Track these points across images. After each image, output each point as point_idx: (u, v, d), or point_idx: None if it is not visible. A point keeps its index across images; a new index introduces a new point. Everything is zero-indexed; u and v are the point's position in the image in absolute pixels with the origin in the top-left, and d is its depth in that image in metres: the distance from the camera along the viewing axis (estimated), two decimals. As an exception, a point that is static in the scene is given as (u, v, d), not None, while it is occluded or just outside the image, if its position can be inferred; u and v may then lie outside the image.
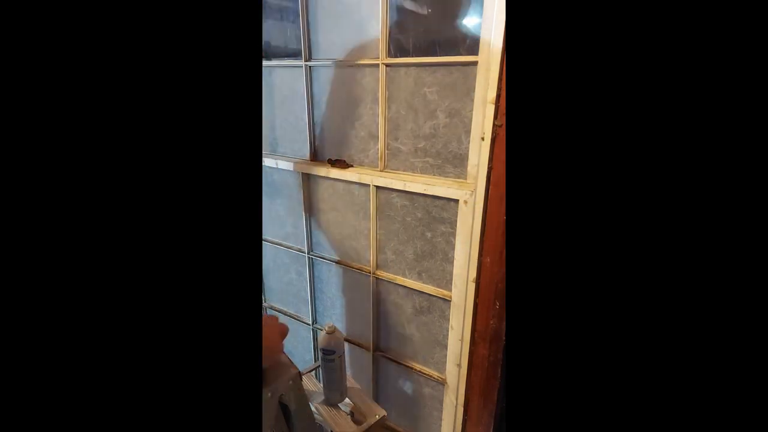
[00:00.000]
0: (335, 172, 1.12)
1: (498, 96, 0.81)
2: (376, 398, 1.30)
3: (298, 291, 1.42)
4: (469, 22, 0.83)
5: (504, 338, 0.96)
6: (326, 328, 1.00)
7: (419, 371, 1.17)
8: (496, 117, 0.83)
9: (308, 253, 1.31)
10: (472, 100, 0.86)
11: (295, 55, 1.12)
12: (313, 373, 1.19)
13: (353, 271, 1.22)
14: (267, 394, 0.71)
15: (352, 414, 1.08)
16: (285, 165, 1.24)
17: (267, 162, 1.28)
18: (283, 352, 0.77)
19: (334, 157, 1.13)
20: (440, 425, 1.18)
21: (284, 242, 1.38)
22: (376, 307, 1.21)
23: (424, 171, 0.99)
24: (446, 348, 1.08)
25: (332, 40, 1.04)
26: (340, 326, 1.32)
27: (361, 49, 0.99)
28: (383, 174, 1.04)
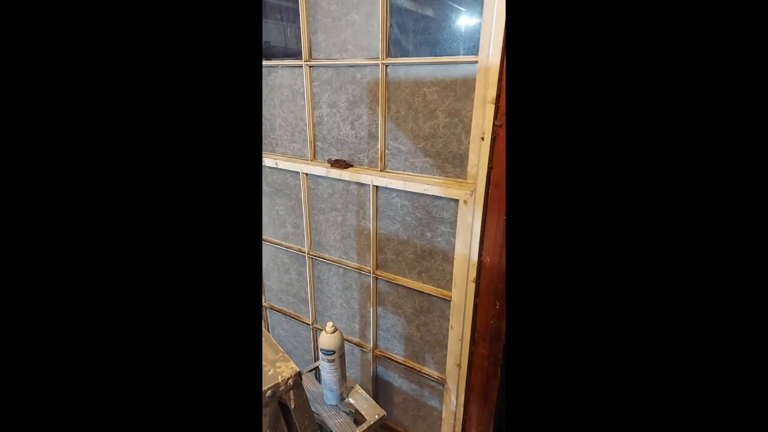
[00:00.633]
0: (335, 172, 1.12)
1: (498, 96, 0.81)
2: (376, 398, 1.30)
3: (298, 291, 1.42)
4: (469, 22, 0.83)
5: (504, 338, 0.96)
6: (326, 328, 1.00)
7: (419, 371, 1.17)
8: (496, 117, 0.83)
9: (308, 253, 1.31)
10: (472, 100, 0.86)
11: (295, 55, 1.12)
12: (313, 373, 1.19)
13: (353, 271, 1.22)
14: (267, 394, 0.71)
15: (352, 414, 1.08)
16: (285, 165, 1.24)
17: (267, 162, 1.28)
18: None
19: (334, 157, 1.13)
20: (440, 425, 1.18)
21: (284, 242, 1.38)
22: (376, 307, 1.21)
23: (424, 171, 0.99)
24: (446, 348, 1.08)
25: (332, 40, 1.04)
26: (340, 326, 1.32)
27: (361, 49, 0.99)
28: (383, 174, 1.04)
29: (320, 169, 1.15)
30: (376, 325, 1.23)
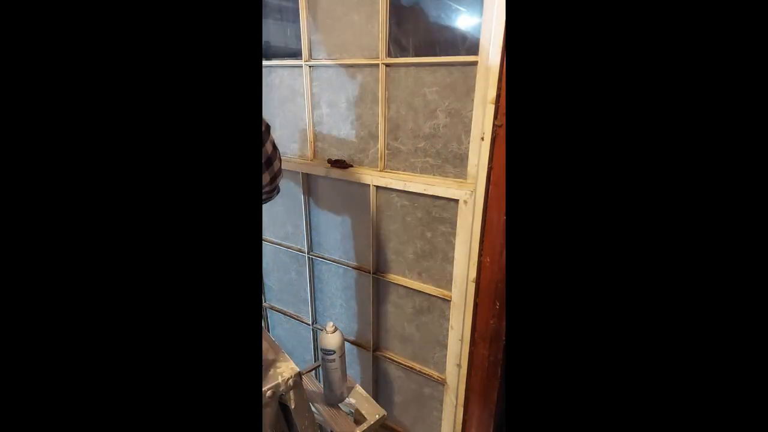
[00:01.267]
0: (335, 172, 1.12)
1: (498, 96, 0.81)
2: (376, 398, 1.30)
3: (298, 291, 1.42)
4: (469, 22, 0.83)
5: (504, 338, 0.96)
6: (327, 328, 1.00)
7: (419, 371, 1.17)
8: (496, 117, 0.83)
9: (308, 253, 1.31)
10: (472, 100, 0.86)
11: (295, 55, 1.12)
12: (313, 373, 1.19)
13: (353, 271, 1.22)
14: (267, 394, 0.71)
15: (352, 414, 1.08)
16: (285, 165, 1.24)
17: (267, 162, 1.28)
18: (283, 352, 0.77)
19: (334, 157, 1.13)
20: (440, 425, 1.18)
21: (284, 242, 1.38)
22: (376, 307, 1.21)
23: (424, 171, 0.99)
24: (446, 348, 1.08)
25: (332, 40, 1.04)
26: (340, 326, 1.32)
27: (361, 49, 0.99)
28: (383, 174, 1.04)
29: (320, 169, 1.15)
30: (376, 325, 1.23)
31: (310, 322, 1.42)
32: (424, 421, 1.24)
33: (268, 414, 0.73)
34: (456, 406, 1.10)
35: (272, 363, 0.76)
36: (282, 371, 0.75)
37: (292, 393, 0.75)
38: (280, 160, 0.79)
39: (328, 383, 1.04)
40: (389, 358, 1.23)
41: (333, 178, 1.15)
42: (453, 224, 0.97)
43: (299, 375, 0.76)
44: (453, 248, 0.99)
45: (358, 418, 1.06)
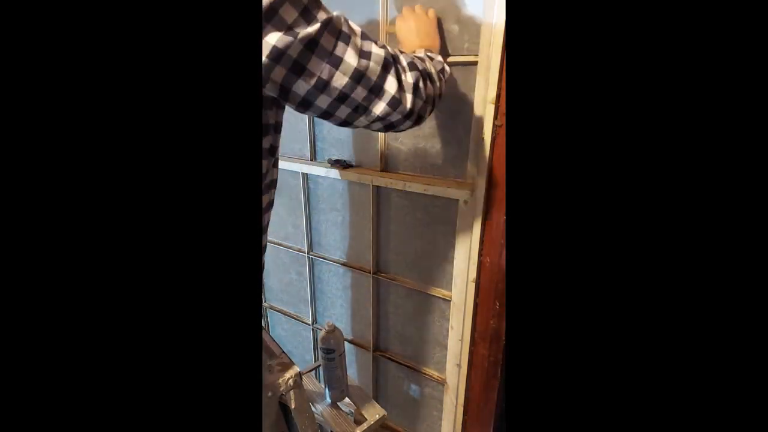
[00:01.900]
0: (335, 172, 1.12)
1: (498, 96, 0.81)
2: (376, 398, 1.30)
3: (298, 291, 1.42)
4: (469, 21, 0.83)
5: (504, 338, 0.96)
6: (326, 327, 1.00)
7: (419, 371, 1.17)
8: (496, 117, 0.83)
9: (308, 253, 1.31)
10: (472, 100, 0.86)
11: (295, 55, 1.12)
12: (313, 372, 1.19)
13: (353, 271, 1.22)
14: (267, 394, 0.71)
15: (352, 414, 1.08)
16: (285, 165, 1.24)
17: (267, 162, 1.28)
18: None
19: (334, 157, 1.13)
20: (440, 425, 1.18)
21: (284, 242, 1.38)
22: (376, 307, 1.21)
23: (424, 171, 0.99)
24: (446, 348, 1.08)
25: (332, 40, 1.04)
26: (340, 326, 1.32)
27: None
28: (383, 174, 1.04)
29: (320, 169, 1.15)
30: (376, 325, 1.23)
31: (310, 322, 1.42)
32: (424, 421, 1.24)
33: (268, 414, 0.73)
34: (456, 406, 1.10)
35: (272, 363, 0.76)
36: (282, 371, 0.75)
37: (292, 393, 0.75)
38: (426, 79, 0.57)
39: (328, 382, 1.04)
40: (389, 358, 1.23)
41: (333, 178, 1.15)
42: (453, 224, 0.97)
43: (299, 375, 0.76)
44: (453, 248, 0.99)
45: (358, 418, 1.06)
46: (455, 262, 0.98)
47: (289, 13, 0.42)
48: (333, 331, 1.00)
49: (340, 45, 0.46)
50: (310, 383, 1.14)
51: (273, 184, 0.64)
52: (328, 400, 1.07)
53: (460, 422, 1.11)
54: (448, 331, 1.06)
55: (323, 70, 0.45)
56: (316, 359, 1.45)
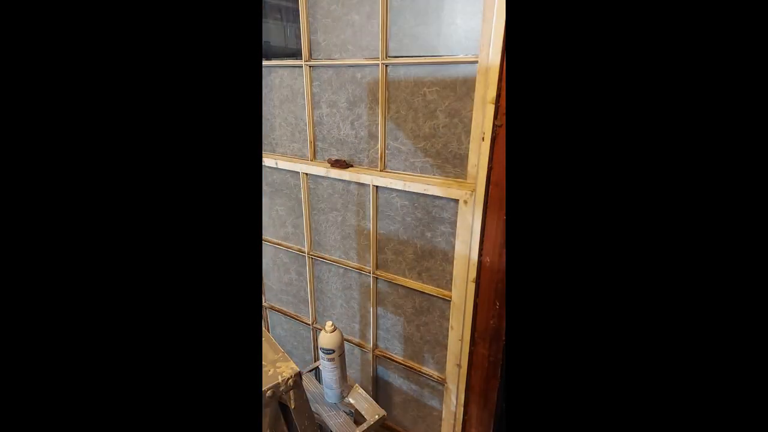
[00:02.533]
0: (335, 172, 1.12)
1: (498, 96, 0.81)
2: (376, 398, 1.30)
3: (298, 291, 1.42)
4: (469, 22, 0.83)
5: (504, 338, 0.96)
6: (326, 327, 1.00)
7: (419, 371, 1.17)
8: (496, 117, 0.83)
9: (308, 253, 1.31)
10: (472, 100, 0.86)
11: (295, 55, 1.12)
12: (313, 373, 1.19)
13: (353, 271, 1.22)
14: (267, 394, 0.71)
15: (352, 414, 1.08)
16: (285, 165, 1.24)
17: (267, 162, 1.28)
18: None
19: (334, 157, 1.13)
20: (440, 425, 1.18)
21: (284, 242, 1.38)
22: (376, 307, 1.21)
23: (424, 171, 0.99)
24: (446, 348, 1.08)
25: (332, 40, 1.04)
26: (340, 326, 1.32)
27: (361, 49, 0.99)
28: (383, 174, 1.04)
29: (320, 169, 1.15)
30: (376, 325, 1.23)
31: (310, 322, 1.42)
32: (424, 421, 1.24)
33: (268, 414, 0.73)
34: (456, 406, 1.10)
35: (272, 363, 0.76)
36: (282, 371, 0.75)
37: (292, 393, 0.75)
38: None
39: (328, 382, 1.04)
40: (389, 358, 1.23)
41: (333, 178, 1.15)
42: (453, 224, 0.97)
43: (299, 375, 0.76)
44: (453, 248, 0.99)
45: (358, 418, 1.06)
46: (455, 262, 0.98)
47: None
48: (333, 330, 1.00)
49: None
50: (310, 383, 1.14)
51: None
52: (328, 400, 1.07)
53: (460, 422, 1.11)
54: (448, 331, 1.06)
55: None
56: (316, 359, 1.45)
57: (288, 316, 1.50)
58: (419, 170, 1.00)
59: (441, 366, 1.13)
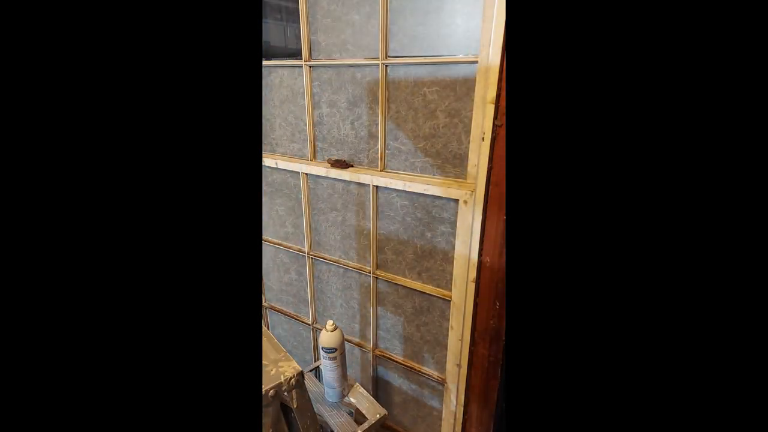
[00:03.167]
0: (335, 172, 1.12)
1: (498, 96, 0.81)
2: (376, 398, 1.30)
3: (298, 291, 1.42)
4: (469, 22, 0.83)
5: (504, 338, 0.96)
6: (327, 326, 1.00)
7: (419, 371, 1.17)
8: (496, 117, 0.83)
9: (308, 253, 1.31)
10: (472, 100, 0.86)
11: (295, 55, 1.12)
12: (313, 372, 1.19)
13: (353, 271, 1.22)
14: (269, 394, 0.71)
15: (352, 414, 1.08)
16: (285, 165, 1.24)
17: (267, 162, 1.28)
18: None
19: (334, 157, 1.13)
20: (440, 425, 1.18)
21: (284, 242, 1.38)
22: (375, 307, 1.21)
23: (424, 171, 0.99)
24: (446, 348, 1.08)
25: (332, 40, 1.04)
26: (341, 326, 1.32)
27: (361, 49, 0.99)
28: (383, 174, 1.04)
29: (320, 169, 1.15)
30: (376, 325, 1.23)
31: (310, 322, 1.42)
32: (424, 421, 1.24)
33: (270, 413, 0.73)
34: (456, 406, 1.11)
35: (274, 362, 0.76)
36: (284, 370, 0.75)
37: (294, 392, 0.75)
38: None
39: (329, 381, 1.04)
40: (389, 358, 1.23)
41: (333, 178, 1.15)
42: (453, 224, 0.97)
43: (302, 374, 0.76)
44: (453, 248, 0.99)
45: (358, 418, 1.06)
46: (455, 262, 0.99)
47: None
48: (333, 330, 1.00)
49: None
50: (311, 383, 1.14)
51: None
52: (329, 399, 1.07)
53: (460, 422, 1.11)
54: (448, 331, 1.06)
55: None
56: (316, 359, 1.45)
57: (288, 316, 1.50)
58: (419, 170, 1.00)
59: (441, 366, 1.13)
